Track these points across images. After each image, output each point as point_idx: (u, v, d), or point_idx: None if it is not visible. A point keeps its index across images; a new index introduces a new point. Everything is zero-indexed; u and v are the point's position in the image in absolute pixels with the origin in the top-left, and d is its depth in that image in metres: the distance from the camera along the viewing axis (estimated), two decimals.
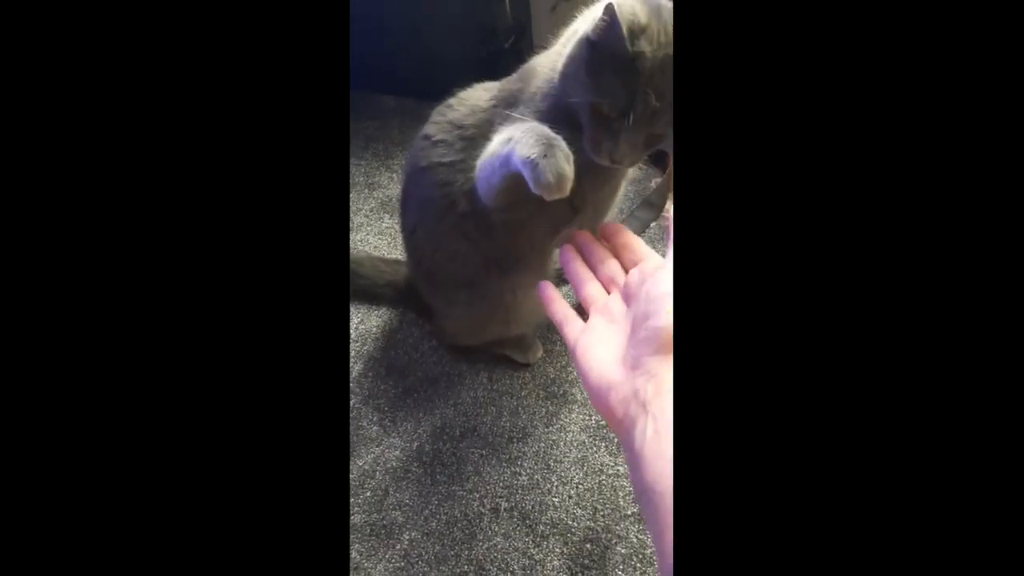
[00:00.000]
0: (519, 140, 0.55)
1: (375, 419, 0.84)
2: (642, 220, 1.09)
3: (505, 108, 0.65)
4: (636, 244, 0.47)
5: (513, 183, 0.57)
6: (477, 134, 0.67)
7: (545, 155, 0.52)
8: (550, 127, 0.56)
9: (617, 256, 0.47)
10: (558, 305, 0.46)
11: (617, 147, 0.54)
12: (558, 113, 0.58)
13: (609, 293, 0.44)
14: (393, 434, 0.83)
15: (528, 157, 0.52)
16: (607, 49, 0.51)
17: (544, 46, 1.11)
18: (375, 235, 1.11)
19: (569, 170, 0.52)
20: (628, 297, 0.41)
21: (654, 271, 0.40)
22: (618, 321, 0.40)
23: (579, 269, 0.48)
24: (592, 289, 0.45)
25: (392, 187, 1.17)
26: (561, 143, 0.53)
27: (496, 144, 0.61)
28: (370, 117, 1.33)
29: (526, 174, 0.52)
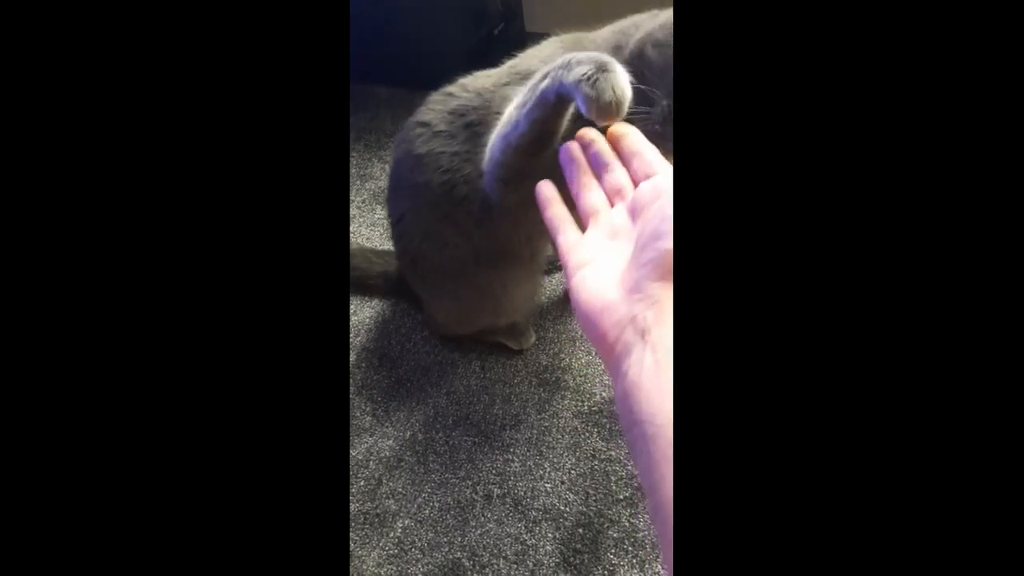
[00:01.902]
0: (566, 65, 0.49)
1: (368, 409, 0.85)
2: None
3: (523, 81, 0.61)
4: (649, 153, 0.39)
5: (545, 123, 0.54)
6: (482, 120, 0.67)
7: (605, 69, 0.47)
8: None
9: (626, 165, 0.40)
10: (556, 209, 0.40)
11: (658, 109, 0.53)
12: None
13: (613, 206, 0.38)
14: (386, 424, 0.83)
15: (584, 75, 0.47)
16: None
17: (536, 31, 1.10)
18: (367, 226, 1.11)
19: (628, 89, 0.46)
20: (635, 212, 0.35)
21: (669, 187, 0.34)
22: (620, 237, 0.35)
23: (580, 173, 0.40)
24: (594, 198, 0.39)
25: (384, 178, 1.17)
26: (616, 63, 0.48)
27: (525, 92, 0.56)
28: (362, 108, 1.32)
29: (579, 96, 0.47)
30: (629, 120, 0.45)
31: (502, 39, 1.24)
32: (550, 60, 0.62)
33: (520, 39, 1.36)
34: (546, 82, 0.52)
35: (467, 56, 1.26)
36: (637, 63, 0.57)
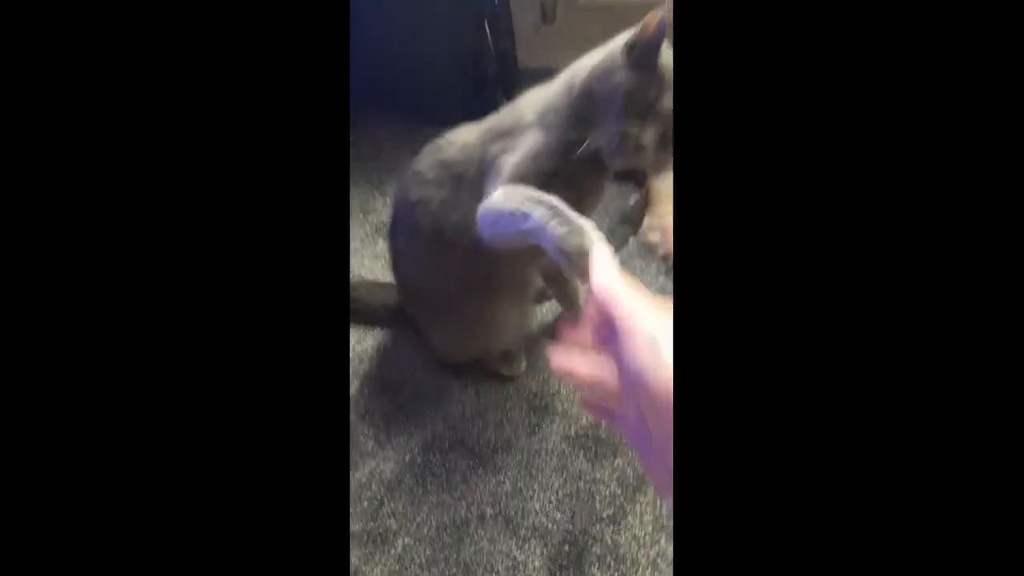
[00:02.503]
0: (547, 219, 0.55)
1: (371, 434, 0.91)
2: (620, 236, 1.15)
3: (498, 139, 0.71)
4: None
5: (524, 242, 0.60)
6: (467, 171, 0.74)
7: (583, 240, 0.52)
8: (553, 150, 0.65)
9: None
10: (580, 379, 0.36)
11: (644, 133, 0.61)
12: (574, 121, 0.65)
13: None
14: (387, 448, 0.90)
15: (564, 243, 0.53)
16: (647, 52, 0.61)
17: (530, 67, 1.19)
18: (370, 258, 1.18)
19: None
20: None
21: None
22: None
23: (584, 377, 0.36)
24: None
25: (385, 212, 1.23)
26: (588, 223, 0.54)
27: (505, 200, 0.63)
28: (365, 144, 1.40)
29: (562, 262, 0.53)
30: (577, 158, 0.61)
31: (497, 80, 1.32)
32: (523, 119, 0.70)
33: (514, 77, 1.43)
34: (530, 220, 0.58)
35: (465, 95, 1.34)
36: (587, 100, 0.65)
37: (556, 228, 0.54)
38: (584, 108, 0.65)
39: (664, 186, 1.21)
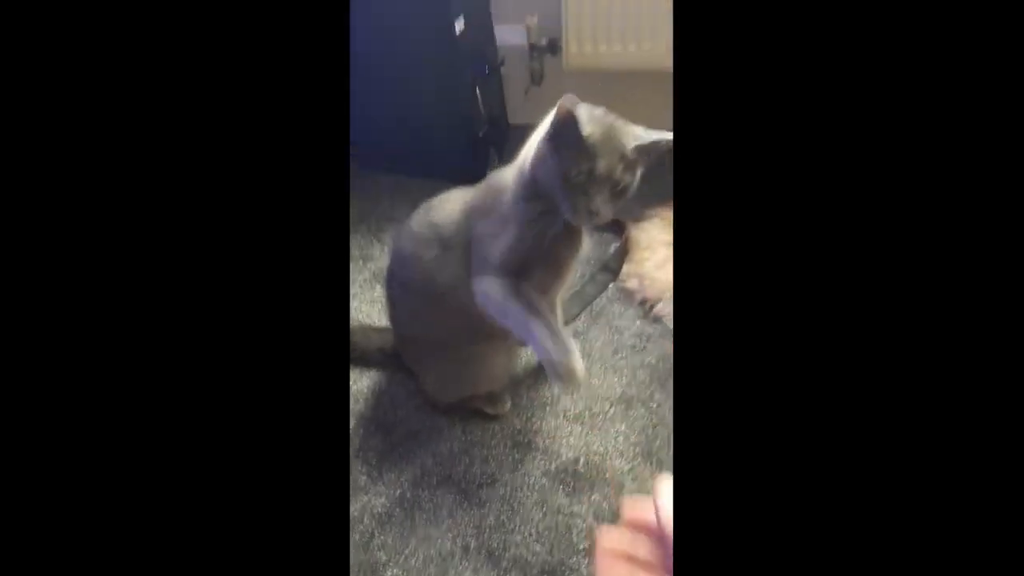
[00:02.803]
0: (545, 337, 0.74)
1: (364, 470, 0.97)
2: (600, 283, 1.24)
3: (480, 217, 0.81)
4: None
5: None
6: (454, 240, 0.84)
7: (572, 359, 0.73)
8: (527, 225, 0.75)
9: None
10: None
11: (592, 201, 0.69)
12: (535, 202, 0.74)
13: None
14: (379, 483, 0.96)
15: (555, 360, 0.72)
16: (566, 133, 0.68)
17: (521, 123, 1.29)
18: (367, 303, 1.26)
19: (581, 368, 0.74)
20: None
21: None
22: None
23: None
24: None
25: (383, 259, 1.32)
26: (575, 348, 0.74)
27: (504, 300, 0.77)
28: (364, 194, 1.50)
29: (549, 371, 0.73)
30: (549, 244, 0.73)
31: (487, 139, 1.43)
32: (499, 201, 0.79)
33: (504, 135, 1.54)
34: (528, 329, 0.76)
35: (458, 151, 1.45)
36: (535, 184, 0.74)
37: (551, 347, 0.73)
38: (536, 190, 0.74)
39: (643, 235, 1.30)
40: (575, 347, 0.73)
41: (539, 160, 0.72)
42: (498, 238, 0.77)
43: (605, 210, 0.70)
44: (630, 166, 0.70)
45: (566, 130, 0.68)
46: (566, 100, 0.66)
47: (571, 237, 0.78)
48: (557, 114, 0.68)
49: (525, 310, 0.76)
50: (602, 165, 0.68)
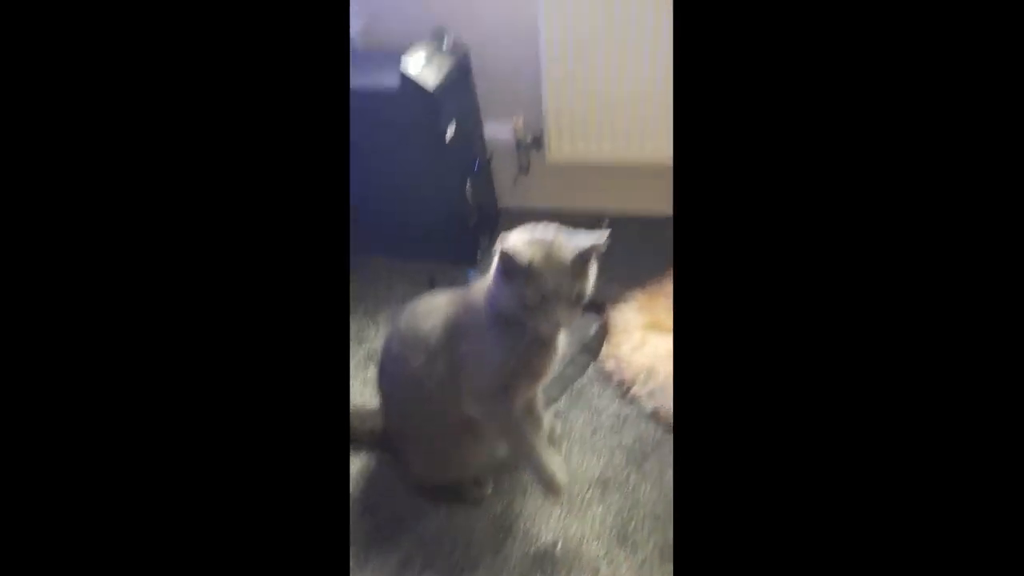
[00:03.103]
0: (537, 460, 0.91)
1: (352, 552, 1.02)
2: (581, 365, 1.31)
3: (461, 338, 0.89)
4: None
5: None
6: (437, 349, 0.91)
7: (558, 478, 0.90)
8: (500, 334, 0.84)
9: None
10: None
11: (553, 315, 0.77)
12: (506, 325, 0.83)
13: None
14: (365, 568, 1.00)
15: (543, 478, 0.91)
16: (511, 268, 0.76)
17: (511, 207, 1.41)
18: (361, 383, 1.32)
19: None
20: None
21: None
22: None
23: None
24: None
25: (378, 341, 1.40)
26: (562, 465, 0.93)
27: (503, 429, 0.93)
28: (360, 276, 1.58)
29: (537, 483, 0.92)
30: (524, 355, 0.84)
31: (478, 227, 1.53)
32: (476, 320, 0.88)
33: (495, 220, 1.65)
34: (525, 459, 0.95)
35: (451, 238, 1.55)
36: (501, 312, 0.82)
37: (541, 467, 0.92)
38: (504, 316, 0.83)
39: (620, 318, 1.38)
40: (562, 464, 0.92)
41: (497, 294, 0.81)
42: (482, 362, 0.87)
43: (567, 318, 0.78)
44: (578, 274, 0.77)
45: (510, 266, 0.76)
46: (502, 241, 0.76)
47: (546, 344, 0.87)
48: (499, 257, 0.76)
49: (517, 432, 0.92)
50: (550, 284, 0.75)
